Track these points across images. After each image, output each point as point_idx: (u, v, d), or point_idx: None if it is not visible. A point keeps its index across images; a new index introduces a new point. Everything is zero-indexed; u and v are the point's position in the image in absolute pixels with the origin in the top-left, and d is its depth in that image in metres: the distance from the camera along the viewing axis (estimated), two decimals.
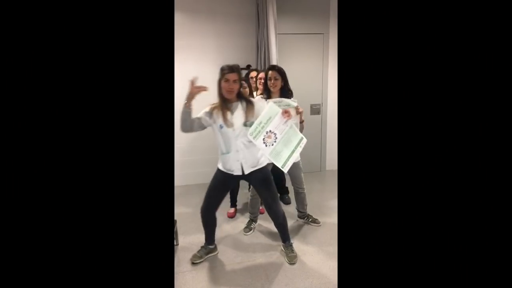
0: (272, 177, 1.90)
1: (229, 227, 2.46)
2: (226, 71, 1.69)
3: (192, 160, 3.32)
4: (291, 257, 1.98)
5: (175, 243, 2.21)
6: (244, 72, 3.24)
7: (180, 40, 3.08)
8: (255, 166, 1.82)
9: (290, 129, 1.65)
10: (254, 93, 2.62)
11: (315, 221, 2.45)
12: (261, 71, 2.71)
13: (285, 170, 1.65)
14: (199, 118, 1.75)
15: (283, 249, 2.07)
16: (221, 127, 1.73)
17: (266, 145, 1.54)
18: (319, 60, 3.50)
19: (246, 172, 1.81)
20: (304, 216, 2.47)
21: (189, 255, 2.03)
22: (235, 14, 3.18)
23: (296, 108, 2.07)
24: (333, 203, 2.80)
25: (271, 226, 2.38)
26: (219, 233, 2.34)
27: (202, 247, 2.04)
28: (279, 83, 2.12)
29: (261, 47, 3.08)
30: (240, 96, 1.76)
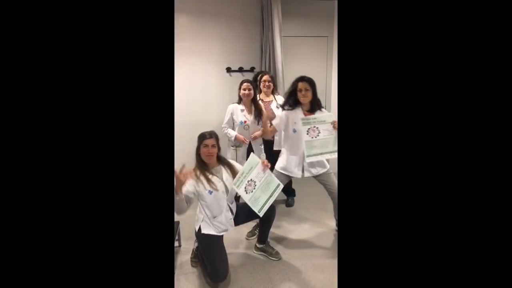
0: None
1: (231, 229, 2.45)
2: (206, 137, 1.77)
3: (194, 161, 3.33)
4: (276, 254, 2.04)
5: (178, 244, 2.21)
6: (248, 75, 3.25)
7: (184, 43, 3.09)
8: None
9: (268, 176, 1.82)
10: (258, 96, 2.63)
11: None
12: (266, 73, 2.73)
13: (261, 214, 1.76)
14: (185, 197, 1.69)
15: (262, 251, 2.07)
16: (210, 192, 1.73)
17: (246, 193, 1.72)
18: (323, 62, 3.51)
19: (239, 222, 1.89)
20: None
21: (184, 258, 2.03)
22: (240, 16, 3.19)
23: (333, 123, 2.02)
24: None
25: (275, 231, 2.37)
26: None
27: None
28: (309, 95, 2.04)
29: (266, 49, 3.09)
30: (221, 160, 1.84)
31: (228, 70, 3.26)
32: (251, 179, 1.75)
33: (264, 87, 2.62)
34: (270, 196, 1.79)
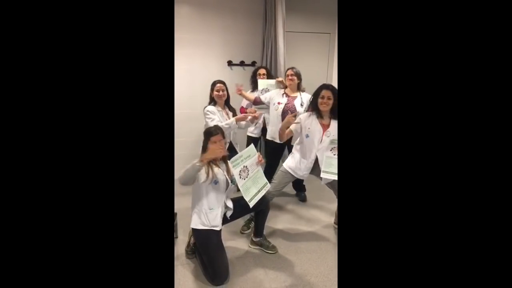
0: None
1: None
2: (213, 133, 1.79)
3: (194, 154, 3.33)
4: (272, 247, 2.07)
5: (175, 236, 2.23)
6: (249, 69, 3.24)
7: (186, 34, 3.07)
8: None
9: (258, 171, 1.91)
10: (282, 90, 2.60)
11: None
12: (263, 67, 2.74)
13: (251, 205, 1.78)
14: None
15: (258, 244, 2.09)
16: (215, 182, 1.76)
17: (240, 177, 1.75)
18: (324, 59, 3.50)
19: (230, 217, 1.90)
20: None
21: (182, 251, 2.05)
22: (243, 10, 3.17)
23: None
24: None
25: (271, 225, 2.39)
26: None
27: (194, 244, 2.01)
28: (331, 103, 2.03)
29: (268, 44, 3.08)
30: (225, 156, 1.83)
31: (229, 63, 3.25)
32: (246, 166, 1.79)
33: (287, 80, 2.56)
34: (259, 191, 1.85)
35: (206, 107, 2.39)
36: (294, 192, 2.97)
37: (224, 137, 1.84)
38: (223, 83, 2.41)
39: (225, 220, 1.90)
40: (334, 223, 2.44)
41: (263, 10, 3.14)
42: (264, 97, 2.65)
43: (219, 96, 2.35)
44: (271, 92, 2.67)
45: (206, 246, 1.79)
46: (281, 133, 2.17)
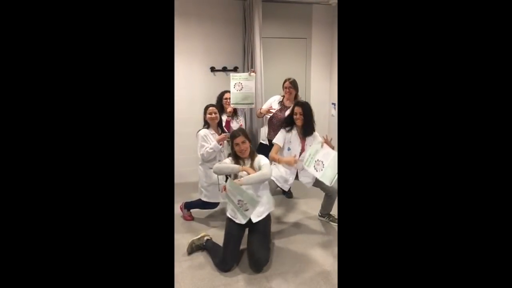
0: (269, 228, 2.09)
1: (217, 221, 2.57)
2: (235, 136, 2.01)
3: (180, 158, 3.39)
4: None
5: None
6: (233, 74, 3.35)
7: None
8: (260, 216, 1.99)
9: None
10: (280, 98, 2.75)
11: (335, 220, 2.50)
12: (227, 91, 2.83)
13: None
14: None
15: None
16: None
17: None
18: (302, 63, 3.68)
19: (254, 221, 1.97)
20: (325, 215, 2.55)
21: (182, 251, 2.13)
22: (223, 18, 3.30)
23: (324, 143, 2.25)
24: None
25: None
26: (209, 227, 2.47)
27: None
28: (302, 118, 2.27)
29: (248, 50, 3.22)
30: (251, 153, 2.05)
31: (212, 69, 3.36)
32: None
33: (286, 93, 2.74)
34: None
35: (199, 130, 2.46)
36: (281, 190, 3.10)
37: (247, 137, 2.04)
38: (215, 106, 2.53)
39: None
40: (319, 215, 2.60)
41: (242, 18, 3.29)
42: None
43: (211, 118, 2.45)
44: (271, 100, 2.85)
45: (227, 231, 2.01)
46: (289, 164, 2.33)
